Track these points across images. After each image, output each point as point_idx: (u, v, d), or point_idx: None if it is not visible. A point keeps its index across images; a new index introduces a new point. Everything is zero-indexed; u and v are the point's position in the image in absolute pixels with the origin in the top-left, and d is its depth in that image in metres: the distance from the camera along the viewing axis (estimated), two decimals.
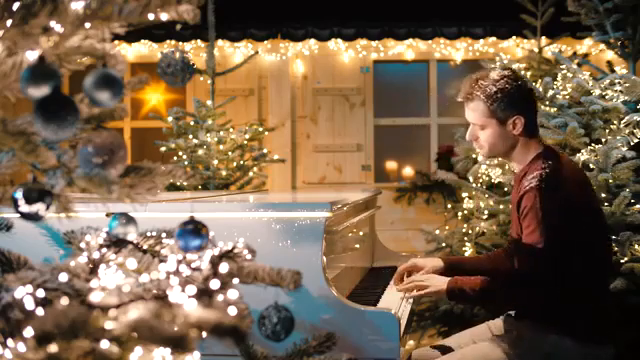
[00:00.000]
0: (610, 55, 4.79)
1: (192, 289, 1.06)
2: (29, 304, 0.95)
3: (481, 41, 6.29)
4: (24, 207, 0.99)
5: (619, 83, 3.06)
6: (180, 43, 6.17)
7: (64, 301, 0.96)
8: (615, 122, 3.04)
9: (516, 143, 2.21)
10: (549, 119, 3.14)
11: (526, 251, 2.06)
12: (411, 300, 2.38)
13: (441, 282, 2.19)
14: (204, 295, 1.07)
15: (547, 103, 3.24)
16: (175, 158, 4.69)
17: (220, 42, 6.17)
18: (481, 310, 3.70)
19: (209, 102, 4.71)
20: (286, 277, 1.16)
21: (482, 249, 3.78)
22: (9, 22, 0.98)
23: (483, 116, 2.22)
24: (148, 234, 1.28)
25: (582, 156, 2.98)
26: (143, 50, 6.38)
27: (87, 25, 1.01)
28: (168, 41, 6.18)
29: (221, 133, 4.61)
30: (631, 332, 2.69)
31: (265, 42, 6.28)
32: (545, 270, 2.03)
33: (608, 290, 2.23)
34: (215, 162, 4.54)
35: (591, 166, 2.95)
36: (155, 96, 6.72)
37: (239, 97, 6.23)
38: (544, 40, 5.51)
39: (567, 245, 2.04)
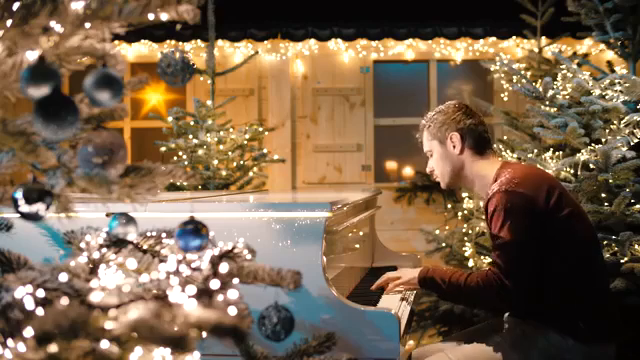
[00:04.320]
0: (610, 55, 4.79)
1: (192, 289, 1.06)
2: (29, 304, 0.95)
3: (481, 41, 6.29)
4: (24, 207, 0.99)
5: (619, 83, 3.06)
6: (180, 43, 6.17)
7: (64, 301, 0.96)
8: (615, 122, 3.04)
9: (462, 163, 2.28)
10: (549, 119, 3.14)
11: (496, 251, 2.08)
12: (411, 300, 2.39)
13: (413, 272, 2.26)
14: (204, 295, 1.07)
15: (547, 103, 3.24)
16: (175, 158, 4.68)
17: (220, 42, 6.17)
18: (481, 310, 3.70)
19: (209, 102, 4.71)
20: (286, 277, 1.16)
21: (482, 249, 3.78)
22: (9, 22, 0.98)
23: (428, 141, 2.34)
24: (148, 234, 1.28)
25: (582, 156, 2.98)
26: (143, 50, 6.38)
27: (87, 25, 1.01)
28: (168, 41, 6.18)
29: (221, 133, 4.61)
30: (631, 332, 2.68)
31: (265, 42, 6.28)
32: (516, 268, 2.03)
33: (606, 290, 2.23)
34: (215, 162, 4.54)
35: (591, 166, 2.95)
36: (155, 96, 6.72)
37: (239, 97, 6.23)
38: (544, 40, 5.51)
39: (539, 244, 2.06)
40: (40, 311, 0.93)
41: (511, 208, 2.05)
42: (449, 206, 5.01)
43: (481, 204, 3.79)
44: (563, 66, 3.32)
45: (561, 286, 2.08)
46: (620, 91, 3.04)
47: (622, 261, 2.83)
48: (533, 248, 2.05)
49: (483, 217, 3.81)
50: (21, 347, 0.89)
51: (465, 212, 4.04)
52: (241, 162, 4.72)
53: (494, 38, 6.23)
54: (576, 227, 2.14)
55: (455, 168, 2.29)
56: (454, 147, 2.26)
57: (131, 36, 6.08)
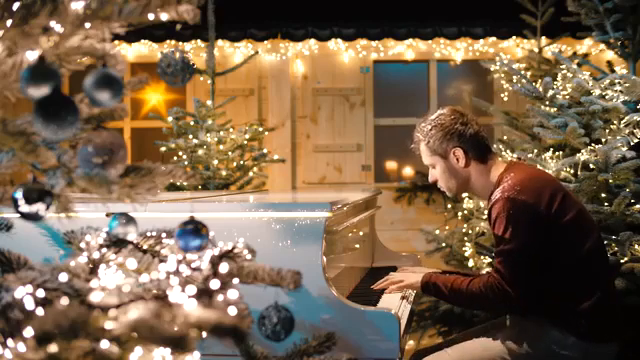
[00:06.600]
0: (610, 55, 4.79)
1: (192, 289, 1.06)
2: (29, 304, 0.95)
3: (481, 41, 6.29)
4: (24, 207, 0.99)
5: (619, 83, 3.06)
6: (180, 43, 6.17)
7: (64, 301, 0.96)
8: (615, 122, 3.03)
9: (468, 175, 2.26)
10: (549, 119, 3.14)
11: (498, 257, 2.09)
12: (411, 300, 2.39)
13: (416, 276, 2.26)
14: (204, 295, 1.07)
15: (547, 103, 3.24)
16: (175, 158, 4.68)
17: (220, 42, 6.16)
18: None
19: (209, 102, 4.71)
20: (286, 277, 1.16)
21: (482, 249, 3.78)
22: (9, 22, 0.98)
23: (428, 155, 2.29)
24: (148, 234, 1.28)
25: (582, 156, 2.98)
26: (143, 50, 6.38)
27: (87, 25, 1.01)
28: (168, 41, 6.18)
29: (221, 133, 4.61)
30: (631, 332, 2.68)
31: (265, 42, 6.28)
32: (517, 275, 2.05)
33: (611, 289, 2.23)
34: (215, 162, 4.54)
35: (591, 166, 2.95)
36: (155, 96, 6.72)
37: (239, 97, 6.23)
38: (544, 40, 5.50)
39: (542, 247, 2.06)
40: (40, 311, 0.93)
41: (513, 215, 2.06)
42: (449, 206, 5.01)
43: (482, 204, 3.79)
44: (563, 66, 3.32)
45: (563, 286, 2.09)
46: (620, 91, 3.04)
47: (622, 261, 2.83)
48: (535, 254, 2.06)
49: (484, 217, 3.81)
50: (21, 347, 0.89)
51: (465, 212, 4.04)
52: (241, 162, 4.72)
53: (494, 38, 6.23)
54: (580, 229, 2.14)
55: (461, 180, 2.26)
56: (458, 161, 2.23)
57: (131, 36, 6.07)
